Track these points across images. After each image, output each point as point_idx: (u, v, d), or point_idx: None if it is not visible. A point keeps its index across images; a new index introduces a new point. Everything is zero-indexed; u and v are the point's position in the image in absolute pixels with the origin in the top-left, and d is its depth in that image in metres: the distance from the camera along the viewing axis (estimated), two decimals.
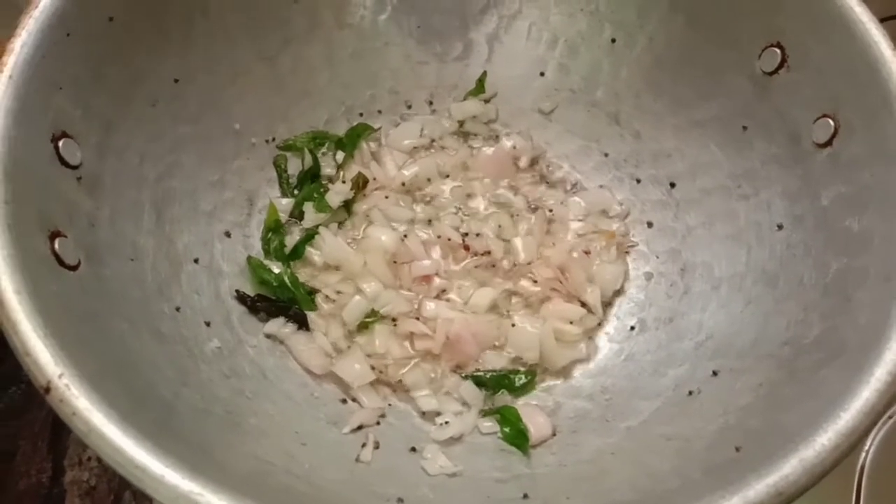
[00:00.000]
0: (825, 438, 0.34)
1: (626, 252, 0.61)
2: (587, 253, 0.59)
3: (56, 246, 0.40)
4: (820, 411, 0.36)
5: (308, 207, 0.60)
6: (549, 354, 0.55)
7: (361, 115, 0.65)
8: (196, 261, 0.53)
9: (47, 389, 0.33)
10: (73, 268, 0.41)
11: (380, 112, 0.66)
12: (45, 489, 0.62)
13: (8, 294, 0.35)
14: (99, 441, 0.33)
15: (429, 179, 0.64)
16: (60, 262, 0.40)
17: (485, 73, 0.66)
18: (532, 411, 0.53)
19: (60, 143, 0.43)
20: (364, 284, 0.57)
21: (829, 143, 0.48)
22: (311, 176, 0.62)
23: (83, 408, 0.33)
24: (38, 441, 0.64)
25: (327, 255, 0.58)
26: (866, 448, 0.61)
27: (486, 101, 0.67)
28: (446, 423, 0.52)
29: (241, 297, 0.55)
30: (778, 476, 0.33)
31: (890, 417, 0.62)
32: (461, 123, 0.66)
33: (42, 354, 0.34)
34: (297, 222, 0.61)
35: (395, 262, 0.58)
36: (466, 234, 0.60)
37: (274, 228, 0.60)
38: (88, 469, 0.63)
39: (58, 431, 0.64)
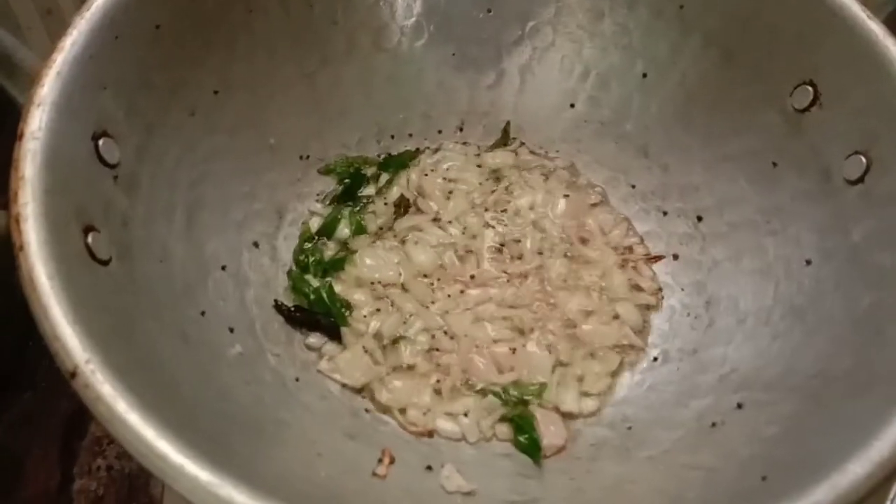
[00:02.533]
0: (858, 466, 0.33)
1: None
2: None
3: (89, 240, 0.40)
4: (851, 441, 0.35)
5: (345, 227, 0.61)
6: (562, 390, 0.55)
7: (393, 136, 0.66)
8: (223, 268, 0.54)
9: (73, 374, 0.33)
10: (105, 262, 0.41)
11: (410, 135, 0.67)
12: (52, 497, 0.61)
13: (41, 279, 0.35)
14: (121, 428, 0.32)
15: (471, 206, 0.64)
16: (92, 256, 0.40)
17: (508, 123, 0.68)
18: (548, 417, 0.52)
19: (100, 142, 0.43)
20: (399, 302, 0.57)
21: (860, 179, 0.48)
22: (351, 197, 0.63)
23: (107, 394, 0.33)
24: (50, 448, 0.63)
25: (364, 272, 0.59)
26: (891, 498, 0.59)
27: (514, 151, 0.67)
28: (462, 440, 0.52)
29: (279, 307, 0.56)
30: (809, 502, 0.33)
31: None
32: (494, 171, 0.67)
33: (70, 339, 0.34)
34: (325, 241, 0.61)
35: (431, 283, 0.59)
36: (500, 252, 0.60)
37: (310, 244, 0.61)
38: (97, 478, 0.63)
39: (69, 439, 0.64)
